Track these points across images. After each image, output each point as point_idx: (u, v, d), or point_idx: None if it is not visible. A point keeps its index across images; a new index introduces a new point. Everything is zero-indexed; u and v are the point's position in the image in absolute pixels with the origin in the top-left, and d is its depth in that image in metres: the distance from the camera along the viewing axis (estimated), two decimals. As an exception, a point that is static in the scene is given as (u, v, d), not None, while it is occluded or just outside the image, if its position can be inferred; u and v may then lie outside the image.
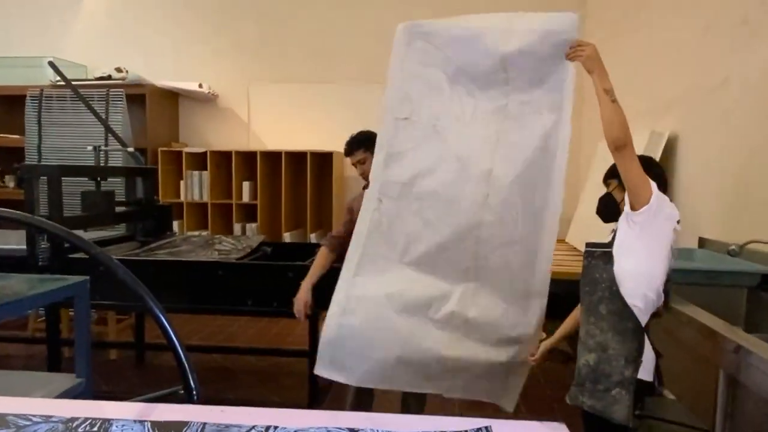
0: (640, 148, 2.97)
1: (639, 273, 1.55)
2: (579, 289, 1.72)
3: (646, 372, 1.57)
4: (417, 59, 1.97)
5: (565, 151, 1.85)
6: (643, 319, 1.59)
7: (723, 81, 2.50)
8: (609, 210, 1.74)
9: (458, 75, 1.94)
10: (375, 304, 1.96)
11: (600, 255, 1.63)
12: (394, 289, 1.97)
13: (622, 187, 1.64)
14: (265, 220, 4.93)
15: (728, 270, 1.95)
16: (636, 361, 1.57)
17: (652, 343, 1.60)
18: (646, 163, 1.64)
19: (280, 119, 5.14)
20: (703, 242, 2.46)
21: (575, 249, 3.58)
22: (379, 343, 1.93)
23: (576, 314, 1.77)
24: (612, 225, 1.72)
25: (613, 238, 1.62)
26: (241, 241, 3.37)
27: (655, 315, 1.62)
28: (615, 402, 1.52)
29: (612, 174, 1.73)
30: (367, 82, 5.13)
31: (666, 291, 1.63)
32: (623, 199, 1.61)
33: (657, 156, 2.94)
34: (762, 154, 2.18)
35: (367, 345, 1.94)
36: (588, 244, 1.70)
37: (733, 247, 1.93)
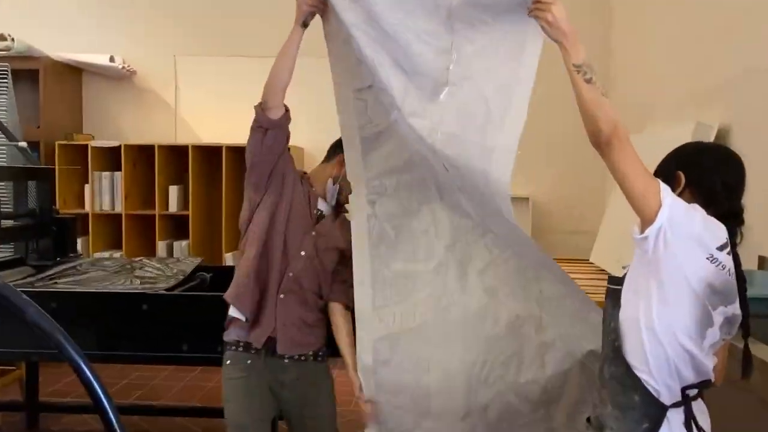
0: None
1: (647, 328, 1.40)
2: None
3: None
4: (354, 11, 1.90)
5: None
6: (661, 393, 1.42)
7: None
8: None
9: (405, 20, 1.86)
10: (416, 340, 2.05)
11: (610, 293, 1.53)
12: (433, 310, 2.05)
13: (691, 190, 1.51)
14: (200, 236, 4.90)
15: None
16: None
17: (692, 422, 1.44)
18: (688, 157, 1.53)
19: (218, 103, 5.12)
20: (763, 262, 2.57)
21: (601, 271, 3.68)
22: (437, 397, 2.02)
23: None
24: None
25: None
26: (169, 265, 3.35)
27: (703, 385, 1.46)
28: None
29: (666, 168, 1.56)
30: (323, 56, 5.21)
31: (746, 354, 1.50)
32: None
33: (704, 154, 3.06)
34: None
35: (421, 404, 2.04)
36: (610, 279, 1.59)
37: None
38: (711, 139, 3.02)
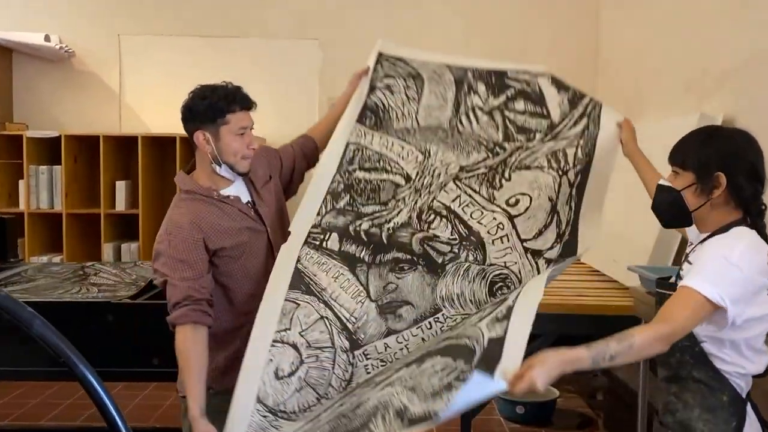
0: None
1: (730, 330, 1.55)
2: None
3: None
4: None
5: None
6: (743, 389, 1.62)
7: None
8: (675, 211, 1.69)
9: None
10: None
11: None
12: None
13: (701, 188, 1.62)
14: (152, 238, 4.60)
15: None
16: None
17: (758, 413, 1.65)
18: (729, 158, 1.60)
19: (169, 88, 5.02)
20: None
21: (595, 272, 3.75)
22: None
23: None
24: (675, 233, 1.78)
25: (684, 258, 1.70)
26: (127, 271, 3.30)
27: (760, 376, 1.64)
28: None
29: (682, 158, 1.66)
30: (295, 37, 5.19)
31: None
32: (699, 206, 1.64)
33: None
34: None
35: None
36: (659, 283, 1.79)
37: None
38: (716, 130, 3.13)
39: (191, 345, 1.99)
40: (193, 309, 2.00)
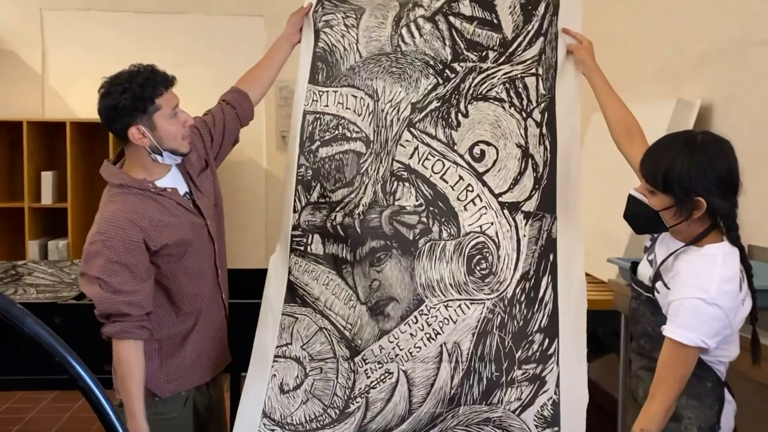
0: (662, 122, 3.31)
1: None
2: (631, 337, 1.99)
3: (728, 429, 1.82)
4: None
5: None
6: (725, 370, 1.80)
7: None
8: (650, 226, 1.87)
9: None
10: None
11: (646, 301, 1.85)
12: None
13: (680, 210, 1.74)
14: (82, 234, 4.61)
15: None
16: (714, 427, 1.79)
17: (729, 389, 1.83)
18: (710, 184, 1.71)
19: (98, 69, 4.68)
20: (752, 251, 2.81)
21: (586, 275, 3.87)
22: None
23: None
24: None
25: (656, 273, 1.82)
26: (64, 270, 3.30)
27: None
28: None
29: (661, 182, 1.74)
30: (238, 14, 5.18)
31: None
32: (676, 224, 1.77)
33: (686, 134, 3.29)
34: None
35: None
36: (634, 279, 1.94)
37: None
38: (693, 118, 3.26)
39: (134, 359, 2.01)
40: (133, 325, 1.99)
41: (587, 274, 3.48)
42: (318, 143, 2.36)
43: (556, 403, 2.07)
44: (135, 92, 1.98)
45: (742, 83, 3.10)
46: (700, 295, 1.66)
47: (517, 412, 2.08)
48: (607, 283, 3.21)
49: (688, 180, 1.69)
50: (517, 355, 2.13)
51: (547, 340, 2.12)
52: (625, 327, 2.90)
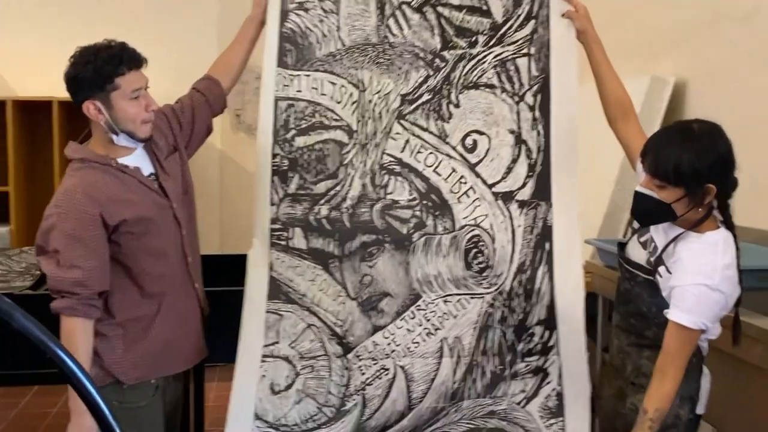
0: (637, 99, 3.31)
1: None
2: (617, 315, 2.08)
3: (702, 406, 1.96)
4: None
5: None
6: (707, 346, 1.95)
7: (753, 9, 2.89)
8: (662, 219, 1.90)
9: None
10: None
11: (644, 283, 1.93)
12: None
13: (692, 199, 1.80)
14: (26, 220, 4.71)
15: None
16: (693, 398, 1.93)
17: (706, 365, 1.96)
18: (720, 169, 1.79)
19: (42, 46, 4.85)
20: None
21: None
22: None
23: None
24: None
25: (658, 258, 1.89)
26: (13, 258, 3.22)
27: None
28: None
29: (673, 175, 1.79)
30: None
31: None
32: (687, 212, 1.82)
33: (660, 111, 3.32)
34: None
35: None
36: (626, 260, 2.00)
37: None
38: (668, 95, 3.29)
39: (81, 336, 1.98)
40: (82, 302, 1.96)
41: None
42: (294, 132, 2.27)
43: (560, 394, 2.16)
44: (96, 66, 1.96)
45: (715, 60, 3.18)
46: (705, 282, 1.76)
47: (522, 404, 2.16)
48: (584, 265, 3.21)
49: (699, 169, 1.76)
50: (518, 348, 2.18)
51: (547, 332, 2.18)
52: (603, 308, 2.90)
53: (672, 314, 1.80)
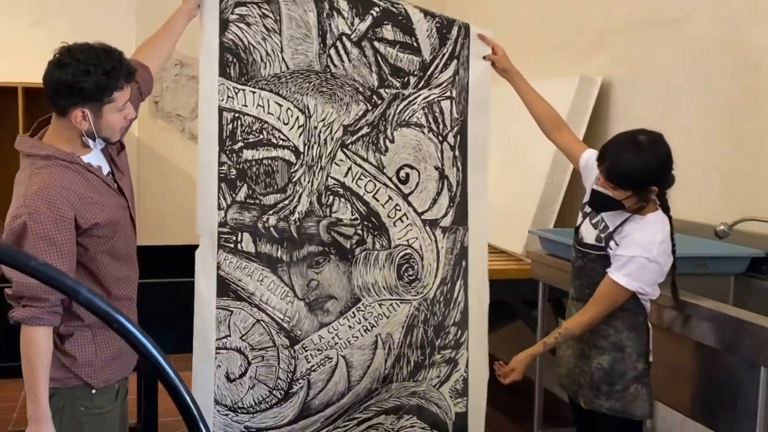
0: (567, 98, 3.56)
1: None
2: (573, 289, 2.45)
3: (651, 355, 2.40)
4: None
5: None
6: (650, 306, 2.37)
7: (683, 15, 3.12)
8: (609, 206, 2.30)
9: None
10: None
11: (596, 258, 2.35)
12: None
13: (638, 197, 2.23)
14: None
15: (707, 255, 2.69)
16: (646, 352, 2.35)
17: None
18: (662, 170, 2.25)
19: (7, 27, 4.75)
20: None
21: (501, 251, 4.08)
22: None
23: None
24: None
25: (608, 235, 2.31)
26: None
27: None
28: (635, 399, 2.31)
29: (625, 182, 2.20)
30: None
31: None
32: (632, 204, 2.25)
33: (588, 110, 3.56)
34: (743, 112, 2.86)
35: None
36: (580, 244, 2.43)
37: (722, 227, 2.66)
38: (594, 94, 3.54)
39: (45, 345, 1.98)
40: (47, 310, 1.96)
41: (500, 250, 3.74)
42: (241, 144, 2.50)
43: (466, 379, 2.73)
44: (98, 80, 1.94)
45: (640, 61, 3.40)
46: (645, 254, 2.22)
47: (437, 387, 2.71)
48: (514, 255, 3.63)
49: (644, 175, 2.20)
50: (437, 343, 2.70)
51: (459, 331, 2.71)
52: (542, 293, 3.15)
53: (612, 273, 2.26)
